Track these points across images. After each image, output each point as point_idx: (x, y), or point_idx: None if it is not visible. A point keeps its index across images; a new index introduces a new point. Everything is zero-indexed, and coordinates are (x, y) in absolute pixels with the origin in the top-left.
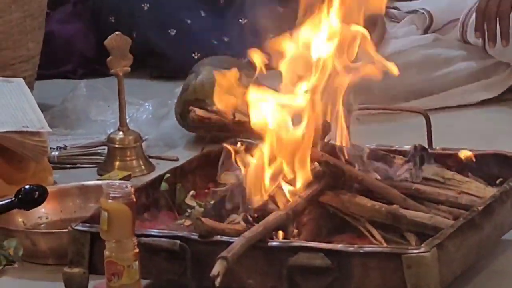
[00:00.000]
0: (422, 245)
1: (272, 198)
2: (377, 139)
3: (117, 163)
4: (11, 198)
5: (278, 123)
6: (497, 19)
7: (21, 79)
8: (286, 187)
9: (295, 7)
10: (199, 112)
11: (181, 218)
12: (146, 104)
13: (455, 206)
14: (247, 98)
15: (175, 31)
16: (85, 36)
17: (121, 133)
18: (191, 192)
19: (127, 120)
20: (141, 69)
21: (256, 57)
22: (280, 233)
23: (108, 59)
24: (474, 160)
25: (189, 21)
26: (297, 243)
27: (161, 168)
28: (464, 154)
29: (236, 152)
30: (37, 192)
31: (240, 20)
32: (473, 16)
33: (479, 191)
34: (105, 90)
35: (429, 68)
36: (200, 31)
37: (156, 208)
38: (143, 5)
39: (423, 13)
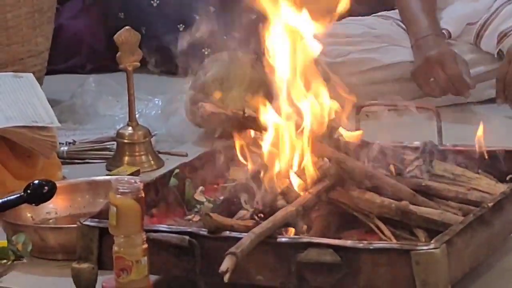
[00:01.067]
0: (432, 242)
1: (281, 194)
2: (387, 135)
3: (126, 158)
4: (20, 193)
5: (287, 118)
6: None
7: (31, 74)
8: (296, 183)
9: None
10: (209, 107)
11: (190, 214)
12: (156, 99)
13: (465, 203)
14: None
15: (184, 26)
16: (94, 30)
17: (130, 128)
18: (200, 188)
19: (136, 116)
20: (150, 63)
21: None
22: (290, 229)
23: (118, 54)
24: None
25: (198, 17)
26: (306, 239)
27: (170, 163)
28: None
29: (246, 147)
30: (46, 187)
31: (250, 16)
32: (489, 28)
33: (489, 187)
34: (114, 85)
35: None
36: (210, 27)
37: (165, 204)
38: (152, 1)
39: (444, 32)
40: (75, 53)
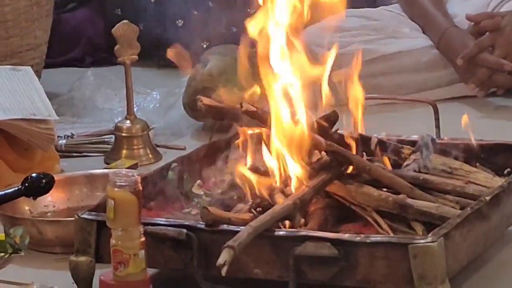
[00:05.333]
0: (429, 235)
1: (279, 187)
2: (385, 129)
3: (124, 151)
4: (17, 186)
5: (285, 112)
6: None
7: (29, 67)
8: (293, 177)
9: None
10: (206, 101)
11: (188, 207)
12: (154, 93)
13: (462, 196)
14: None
15: (182, 22)
16: (93, 24)
17: (128, 121)
18: (198, 181)
19: (135, 109)
20: (148, 58)
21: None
22: (287, 222)
23: (116, 47)
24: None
25: (196, 12)
26: (303, 232)
27: (168, 157)
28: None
29: (244, 141)
30: (44, 181)
31: (248, 10)
32: None
33: (486, 181)
34: (112, 78)
35: (440, 66)
36: (208, 21)
37: (163, 197)
38: None
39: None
40: (74, 46)
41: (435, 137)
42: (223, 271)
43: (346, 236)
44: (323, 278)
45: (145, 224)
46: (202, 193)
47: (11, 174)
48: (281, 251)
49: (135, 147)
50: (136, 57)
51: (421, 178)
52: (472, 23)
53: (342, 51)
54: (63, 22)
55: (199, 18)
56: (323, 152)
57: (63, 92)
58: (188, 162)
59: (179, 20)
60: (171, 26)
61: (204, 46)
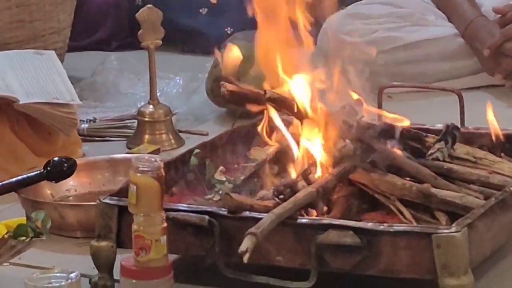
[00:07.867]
0: (453, 225)
1: (302, 175)
2: (409, 118)
3: (147, 136)
4: (39, 170)
5: (309, 99)
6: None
7: (53, 51)
8: (317, 164)
9: None
10: (230, 87)
11: (210, 193)
12: (177, 78)
13: (487, 186)
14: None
15: (206, 9)
16: (117, 3)
17: (151, 106)
18: (221, 167)
19: (158, 94)
20: (172, 44)
21: None
22: (310, 210)
23: (139, 32)
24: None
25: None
26: (326, 220)
27: (191, 142)
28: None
29: (267, 127)
30: (66, 165)
31: None
32: None
33: (511, 171)
34: (135, 63)
35: (465, 55)
36: (232, 8)
37: (185, 183)
38: None
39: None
40: (99, 26)
41: (459, 126)
42: (245, 258)
43: (369, 224)
44: (345, 266)
45: (167, 210)
46: (224, 179)
47: (33, 158)
48: (303, 239)
49: (157, 132)
50: (160, 42)
51: (445, 167)
52: (500, 15)
53: (367, 38)
54: (88, 3)
55: (222, 5)
56: (347, 140)
57: (86, 76)
58: (210, 148)
59: (203, 8)
60: (195, 15)
61: (229, 32)
